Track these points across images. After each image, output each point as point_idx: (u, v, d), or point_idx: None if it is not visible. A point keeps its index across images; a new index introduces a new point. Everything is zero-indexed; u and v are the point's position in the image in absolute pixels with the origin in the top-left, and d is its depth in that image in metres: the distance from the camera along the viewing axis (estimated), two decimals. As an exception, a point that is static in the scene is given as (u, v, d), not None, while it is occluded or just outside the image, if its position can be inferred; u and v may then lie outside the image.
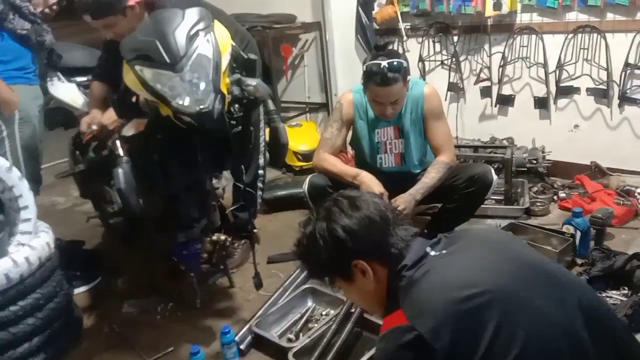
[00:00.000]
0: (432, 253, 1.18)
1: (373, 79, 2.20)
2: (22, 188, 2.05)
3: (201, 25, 1.83)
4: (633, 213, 2.77)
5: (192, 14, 1.85)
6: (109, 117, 2.30)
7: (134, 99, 1.96)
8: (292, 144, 3.51)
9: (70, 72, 2.72)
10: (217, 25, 1.93)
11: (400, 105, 2.31)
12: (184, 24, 1.81)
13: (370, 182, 2.28)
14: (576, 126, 3.24)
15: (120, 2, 2.12)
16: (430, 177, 2.34)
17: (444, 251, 1.19)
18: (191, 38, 1.80)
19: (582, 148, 3.19)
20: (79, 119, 2.53)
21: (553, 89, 3.22)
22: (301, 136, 3.93)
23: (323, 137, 2.53)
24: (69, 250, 2.55)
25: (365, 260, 1.19)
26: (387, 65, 2.16)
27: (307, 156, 3.85)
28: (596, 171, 3.14)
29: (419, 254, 1.18)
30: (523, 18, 3.21)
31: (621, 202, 2.78)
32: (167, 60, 1.76)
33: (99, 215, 2.62)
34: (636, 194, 2.83)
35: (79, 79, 2.70)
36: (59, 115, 2.83)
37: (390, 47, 2.39)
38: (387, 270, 1.20)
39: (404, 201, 2.30)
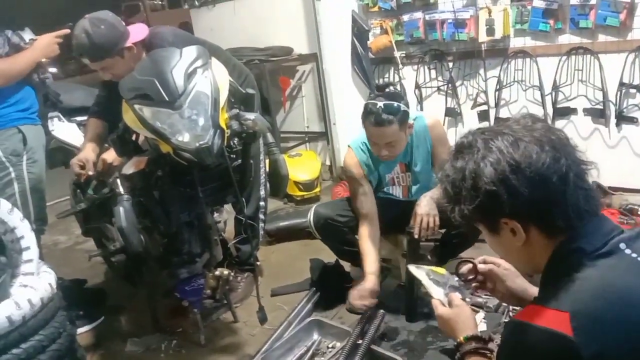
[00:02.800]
0: (627, 251, 0.95)
1: (368, 118, 2.21)
2: (24, 229, 2.04)
3: (199, 63, 1.87)
4: (638, 231, 2.75)
5: (189, 52, 1.88)
6: (111, 155, 2.31)
7: (133, 137, 1.97)
8: (292, 174, 3.54)
9: (69, 112, 2.75)
10: (215, 62, 1.96)
11: (397, 149, 2.28)
12: (181, 62, 1.84)
13: (366, 295, 2.32)
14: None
15: (117, 44, 2.15)
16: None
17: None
18: (189, 76, 1.83)
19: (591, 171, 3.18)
20: None
21: (550, 110, 3.24)
22: (301, 166, 3.94)
23: (355, 207, 2.43)
24: (71, 289, 2.54)
25: (521, 223, 1.00)
26: (383, 107, 2.15)
27: (307, 186, 3.86)
28: (598, 191, 3.13)
29: (605, 239, 0.96)
30: (516, 42, 3.25)
31: (625, 221, 2.76)
32: (166, 98, 1.79)
33: (101, 254, 2.61)
34: (639, 213, 2.82)
35: (79, 118, 2.73)
36: (59, 155, 2.85)
37: (392, 88, 2.39)
38: (545, 238, 1.00)
39: (424, 207, 2.24)
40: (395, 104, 2.17)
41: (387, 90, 2.30)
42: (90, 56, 2.17)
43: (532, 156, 0.97)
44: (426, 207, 2.25)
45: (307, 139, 4.53)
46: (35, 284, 1.96)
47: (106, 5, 2.87)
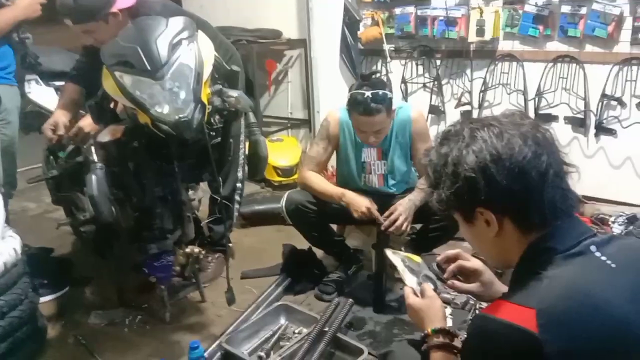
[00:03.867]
0: (597, 254, 0.96)
1: (356, 108, 2.20)
2: (-8, 191, 1.99)
3: (184, 35, 1.82)
4: (606, 241, 2.80)
5: (176, 22, 1.84)
6: (87, 123, 2.25)
7: (112, 105, 1.93)
8: (272, 158, 3.51)
9: (48, 76, 2.68)
10: (201, 36, 1.92)
11: (383, 134, 2.32)
12: (167, 32, 1.80)
13: (358, 200, 2.28)
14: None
15: (102, 8, 2.09)
16: (424, 188, 2.33)
17: (611, 263, 0.95)
18: (174, 47, 1.78)
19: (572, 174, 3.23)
20: None
21: (532, 115, 3.27)
22: (282, 151, 3.91)
23: (308, 155, 2.51)
24: (37, 257, 2.48)
25: (495, 213, 1.00)
26: (370, 96, 2.15)
27: (286, 171, 3.84)
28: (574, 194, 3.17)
29: (577, 240, 0.97)
30: (505, 45, 3.26)
31: (596, 231, 2.81)
32: (148, 67, 1.74)
33: (70, 223, 2.56)
34: (610, 223, 2.87)
35: (57, 83, 2.66)
36: (34, 119, 2.77)
37: (377, 76, 2.38)
38: (518, 232, 1.01)
39: (404, 208, 2.26)
40: (381, 91, 2.18)
41: (372, 78, 2.30)
42: (74, 18, 2.10)
43: (515, 148, 0.98)
44: (405, 209, 2.26)
45: (289, 125, 4.50)
46: (-1, 248, 1.91)
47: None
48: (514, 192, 0.97)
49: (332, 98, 3.98)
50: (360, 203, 2.26)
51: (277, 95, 4.57)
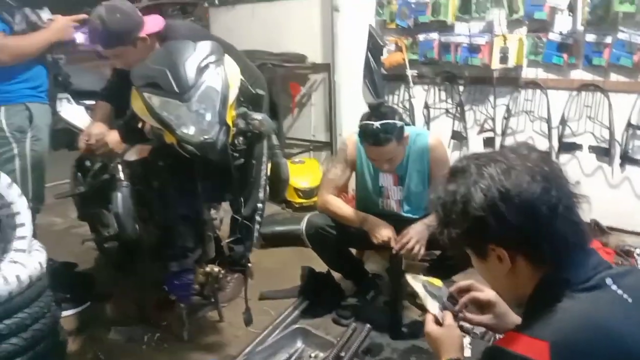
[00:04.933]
0: (613, 287, 0.95)
1: (366, 139, 2.23)
2: (21, 205, 2.04)
3: (212, 58, 1.87)
4: (632, 273, 2.74)
5: (203, 46, 1.89)
6: (114, 139, 2.31)
7: (139, 125, 1.98)
8: (293, 180, 3.54)
9: (78, 95, 2.76)
10: (227, 60, 1.97)
11: (396, 161, 2.32)
12: (195, 55, 1.85)
13: (379, 228, 2.28)
14: (577, 182, 3.24)
15: (131, 33, 2.16)
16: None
17: (628, 297, 0.94)
18: (201, 70, 1.83)
19: (583, 205, 3.18)
20: None
21: (556, 144, 3.24)
22: (303, 173, 3.94)
23: (327, 177, 2.53)
24: (61, 271, 2.53)
25: (507, 250, 1.00)
26: (379, 126, 2.17)
27: (307, 193, 3.86)
28: (596, 229, 3.12)
29: (592, 273, 0.97)
30: (529, 73, 3.26)
31: (620, 262, 2.75)
32: (176, 89, 1.79)
33: (95, 239, 2.61)
34: (635, 255, 2.81)
35: (87, 102, 2.74)
36: (64, 136, 2.85)
37: (385, 104, 2.41)
38: (531, 267, 1.00)
39: (416, 231, 2.25)
40: (391, 121, 2.19)
41: (381, 108, 2.31)
42: (104, 43, 2.18)
43: (523, 185, 0.97)
44: (418, 232, 2.25)
45: (311, 147, 4.54)
46: (25, 262, 1.96)
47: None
48: (524, 229, 0.97)
49: (355, 122, 3.97)
50: (382, 231, 2.27)
51: (300, 118, 4.61)
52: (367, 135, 2.21)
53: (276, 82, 4.05)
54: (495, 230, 0.98)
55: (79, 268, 2.86)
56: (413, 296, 1.41)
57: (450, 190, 1.04)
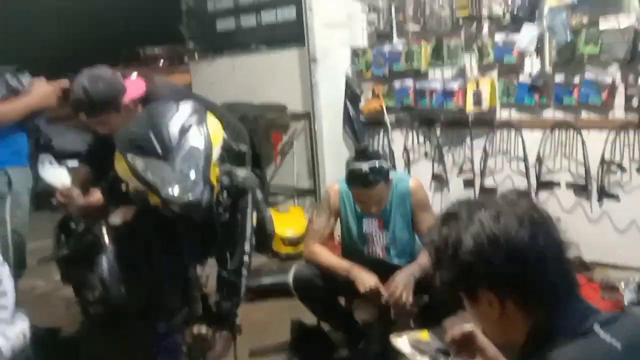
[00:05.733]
0: (602, 334, 0.96)
1: (355, 182, 2.28)
2: (2, 274, 2.02)
3: (194, 118, 1.91)
4: (619, 307, 2.76)
5: (185, 107, 1.93)
6: (97, 197, 2.29)
7: (122, 188, 1.99)
8: (279, 229, 3.53)
9: (60, 155, 2.76)
10: (210, 118, 2.01)
11: (384, 202, 2.38)
12: (177, 116, 1.89)
13: (364, 277, 2.28)
14: (557, 219, 3.29)
15: (113, 101, 2.18)
16: (423, 260, 2.31)
17: (617, 345, 0.94)
18: (184, 130, 1.87)
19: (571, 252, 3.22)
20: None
21: (534, 182, 3.31)
22: (288, 222, 3.95)
23: (312, 228, 2.55)
24: (44, 339, 2.45)
25: (497, 295, 1.01)
26: (367, 169, 2.23)
27: (293, 242, 3.85)
28: (579, 265, 3.15)
29: (581, 320, 0.98)
30: (502, 114, 3.35)
31: (606, 297, 2.77)
32: (159, 151, 1.82)
33: (79, 302, 2.56)
34: (621, 290, 2.83)
35: (70, 162, 2.74)
36: (46, 197, 2.83)
37: (370, 148, 2.48)
38: (521, 312, 1.01)
39: (403, 281, 2.25)
40: (378, 163, 2.25)
41: (366, 151, 2.37)
42: (88, 113, 2.19)
43: (511, 232, 0.99)
44: (405, 279, 2.26)
45: (295, 194, 4.56)
46: (8, 333, 1.91)
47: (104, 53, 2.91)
48: (513, 275, 0.99)
49: (337, 168, 4.03)
50: (367, 280, 2.27)
51: (283, 166, 4.65)
52: (355, 178, 2.25)
53: (258, 132, 4.10)
54: (485, 275, 1.00)
55: (63, 333, 2.78)
56: (399, 355, 1.40)
57: (443, 234, 1.07)
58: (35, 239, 3.31)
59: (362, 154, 2.34)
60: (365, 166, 2.23)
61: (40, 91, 2.38)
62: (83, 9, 6.64)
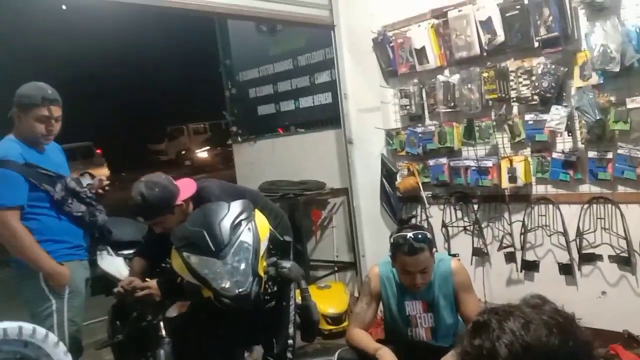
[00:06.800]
0: None
1: (401, 249, 2.34)
2: (59, 353, 2.15)
3: (243, 216, 2.07)
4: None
5: (236, 206, 2.10)
6: (154, 285, 2.43)
7: (178, 281, 2.14)
8: (320, 306, 3.59)
9: (118, 246, 2.95)
10: (258, 214, 2.16)
11: (429, 275, 2.41)
12: (228, 215, 2.06)
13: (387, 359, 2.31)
14: (603, 293, 3.26)
15: (169, 204, 2.39)
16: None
17: None
18: (234, 228, 2.03)
19: (612, 315, 3.16)
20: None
21: (576, 255, 3.30)
22: (330, 299, 3.99)
23: (354, 312, 2.61)
24: None
25: None
26: (412, 237, 2.31)
27: (336, 319, 3.88)
28: (629, 339, 3.08)
29: None
30: (539, 189, 3.40)
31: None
32: (212, 248, 1.97)
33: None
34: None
35: (126, 252, 2.92)
36: (102, 283, 3.01)
37: (413, 221, 2.57)
38: None
39: None
40: (421, 232, 2.34)
41: (410, 221, 2.47)
42: (145, 216, 2.41)
43: (542, 339, 1.07)
44: None
45: (336, 268, 4.64)
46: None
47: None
48: None
49: (376, 241, 4.14)
50: None
51: (323, 240, 4.77)
52: (401, 246, 2.31)
53: (298, 209, 4.26)
54: None
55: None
56: None
57: (476, 344, 1.13)
58: (90, 317, 3.47)
59: (405, 223, 2.44)
60: (409, 234, 2.31)
61: (55, 271, 2.50)
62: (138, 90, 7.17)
